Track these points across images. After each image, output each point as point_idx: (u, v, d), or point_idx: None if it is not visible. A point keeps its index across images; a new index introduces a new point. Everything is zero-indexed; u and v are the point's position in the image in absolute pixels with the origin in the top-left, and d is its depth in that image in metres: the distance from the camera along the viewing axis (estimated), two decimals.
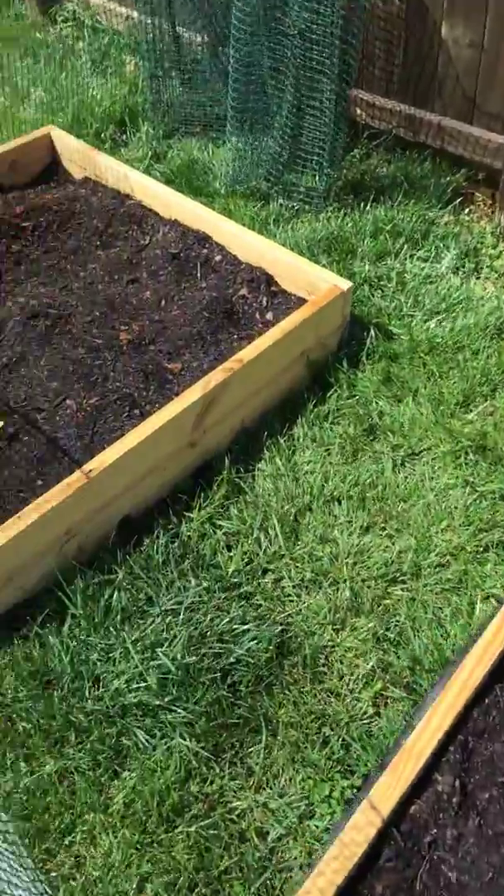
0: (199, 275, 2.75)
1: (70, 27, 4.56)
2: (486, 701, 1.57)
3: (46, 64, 4.20)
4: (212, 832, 1.51)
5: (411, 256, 2.90)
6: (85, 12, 4.54)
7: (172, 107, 3.69)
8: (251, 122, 3.18)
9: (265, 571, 1.98)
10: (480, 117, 3.02)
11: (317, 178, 3.12)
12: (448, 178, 3.14)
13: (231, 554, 2.01)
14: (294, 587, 1.94)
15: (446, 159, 3.17)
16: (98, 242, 2.92)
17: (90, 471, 1.90)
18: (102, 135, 3.67)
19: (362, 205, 3.09)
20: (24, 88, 4.06)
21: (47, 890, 1.43)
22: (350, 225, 3.00)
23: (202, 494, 2.14)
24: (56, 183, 3.26)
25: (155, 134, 3.66)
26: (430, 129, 3.15)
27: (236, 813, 1.54)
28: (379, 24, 3.13)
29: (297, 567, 1.98)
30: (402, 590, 1.93)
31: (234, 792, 1.57)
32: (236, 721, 1.67)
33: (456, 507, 2.08)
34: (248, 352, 2.24)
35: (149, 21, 3.49)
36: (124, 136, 3.71)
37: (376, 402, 2.37)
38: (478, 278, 2.86)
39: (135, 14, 3.90)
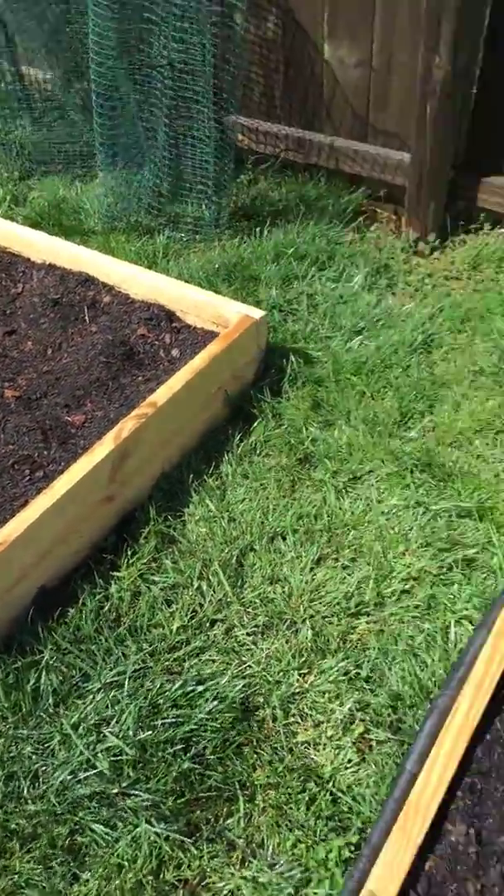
0: (87, 318, 2.78)
1: None
2: (488, 737, 1.59)
3: None
4: None
5: (320, 278, 3.04)
6: None
7: (25, 147, 3.80)
8: (123, 155, 3.31)
9: (213, 623, 1.96)
10: (376, 135, 3.25)
11: (203, 207, 3.26)
12: (347, 198, 3.35)
13: (172, 610, 1.97)
14: (248, 635, 1.92)
15: (341, 179, 3.39)
16: None
17: None
18: None
19: (259, 230, 3.24)
20: None
21: None
22: (249, 251, 3.13)
23: (128, 551, 2.11)
24: None
25: (10, 176, 3.73)
26: (322, 150, 3.37)
27: (223, 895, 1.48)
28: (255, 49, 3.36)
29: (249, 613, 1.97)
30: (368, 622, 1.95)
31: (218, 871, 1.50)
32: (208, 793, 1.61)
33: (411, 529, 2.14)
34: (161, 394, 2.25)
35: None
36: None
37: (307, 430, 2.43)
38: (394, 294, 3.03)
39: None
